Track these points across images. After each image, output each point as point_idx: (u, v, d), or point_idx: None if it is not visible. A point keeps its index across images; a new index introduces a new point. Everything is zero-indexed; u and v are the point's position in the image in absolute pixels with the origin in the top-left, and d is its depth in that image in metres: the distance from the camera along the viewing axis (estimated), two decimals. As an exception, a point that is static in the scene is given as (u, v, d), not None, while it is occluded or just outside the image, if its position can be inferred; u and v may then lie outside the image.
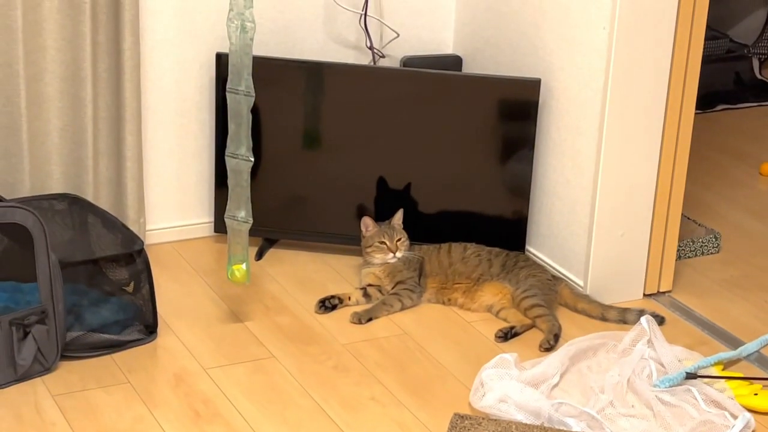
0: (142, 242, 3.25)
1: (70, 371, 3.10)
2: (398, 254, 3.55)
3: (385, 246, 3.55)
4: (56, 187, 3.54)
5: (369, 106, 3.71)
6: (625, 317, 3.46)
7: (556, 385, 3.08)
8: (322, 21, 3.86)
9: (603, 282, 3.57)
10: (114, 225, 3.34)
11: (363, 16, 3.84)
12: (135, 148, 3.61)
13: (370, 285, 3.56)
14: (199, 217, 3.89)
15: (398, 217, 3.59)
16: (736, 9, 5.80)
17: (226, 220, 3.26)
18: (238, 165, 3.21)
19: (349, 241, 3.69)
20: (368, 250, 3.58)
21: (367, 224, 3.58)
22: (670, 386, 3.07)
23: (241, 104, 3.16)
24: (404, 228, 3.60)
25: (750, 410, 3.00)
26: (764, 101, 5.51)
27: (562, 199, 3.63)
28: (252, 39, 3.11)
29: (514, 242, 3.69)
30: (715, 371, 3.17)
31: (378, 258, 3.56)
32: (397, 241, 3.55)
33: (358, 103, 3.71)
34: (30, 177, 3.49)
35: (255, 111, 3.20)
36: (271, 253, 3.81)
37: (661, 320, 3.45)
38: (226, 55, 3.18)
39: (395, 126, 3.71)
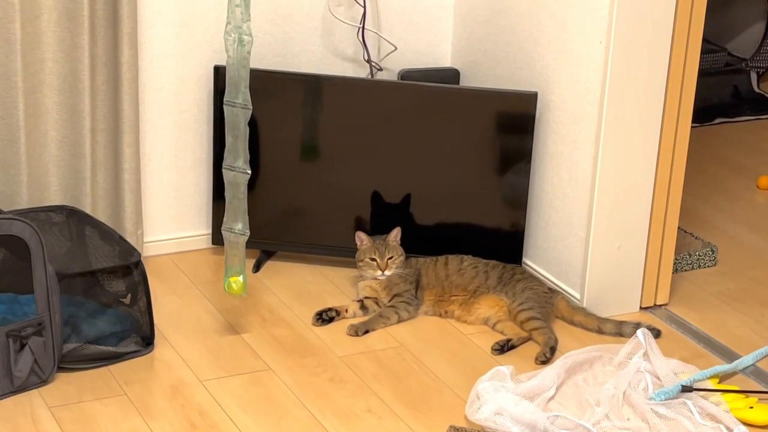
0: (140, 254, 3.26)
1: (66, 383, 3.11)
2: (387, 272, 3.54)
3: (375, 263, 3.55)
4: (54, 198, 3.54)
5: (367, 118, 3.72)
6: (621, 330, 3.46)
7: (551, 398, 3.08)
8: (319, 34, 3.87)
9: (599, 295, 3.57)
10: (111, 237, 3.34)
11: (361, 30, 3.85)
12: (133, 160, 3.62)
13: (367, 297, 3.56)
14: (196, 229, 3.89)
15: (395, 234, 3.59)
16: (734, 23, 5.80)
17: (223, 232, 3.27)
18: (235, 177, 3.21)
19: (347, 254, 3.69)
20: (360, 264, 3.58)
21: (362, 238, 3.58)
22: (666, 399, 3.07)
23: (238, 117, 3.17)
24: (402, 241, 3.60)
25: (745, 423, 3.00)
26: (762, 114, 5.51)
27: (559, 212, 3.63)
28: (249, 52, 3.12)
29: (510, 255, 3.69)
30: (710, 384, 3.17)
31: (368, 273, 3.56)
32: (388, 259, 3.54)
33: (356, 115, 3.71)
34: (28, 189, 3.50)
35: (252, 123, 3.21)
36: (269, 265, 3.82)
37: (657, 333, 3.45)
38: (224, 68, 3.19)
39: (393, 139, 3.72)
